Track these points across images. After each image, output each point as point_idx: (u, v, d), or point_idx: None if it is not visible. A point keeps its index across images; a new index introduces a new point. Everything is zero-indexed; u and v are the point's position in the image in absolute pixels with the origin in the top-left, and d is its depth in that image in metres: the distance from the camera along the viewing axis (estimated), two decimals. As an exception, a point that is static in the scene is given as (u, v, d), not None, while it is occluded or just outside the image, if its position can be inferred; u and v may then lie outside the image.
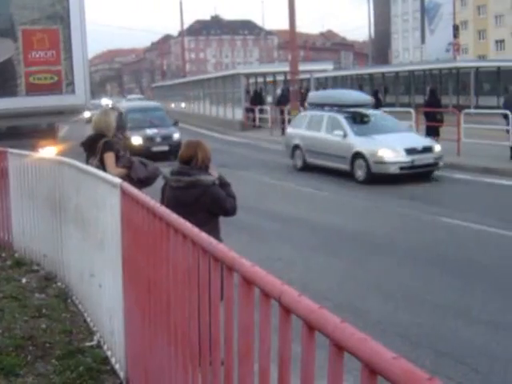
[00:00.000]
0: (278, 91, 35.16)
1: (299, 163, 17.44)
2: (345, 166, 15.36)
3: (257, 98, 33.59)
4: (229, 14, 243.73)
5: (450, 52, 63.26)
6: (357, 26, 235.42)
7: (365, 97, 18.08)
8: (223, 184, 5.14)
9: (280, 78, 40.12)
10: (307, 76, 35.04)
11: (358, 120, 15.82)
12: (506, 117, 16.90)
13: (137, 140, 20.32)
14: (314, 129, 16.94)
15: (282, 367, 2.00)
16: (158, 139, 20.80)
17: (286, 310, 1.92)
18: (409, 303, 6.80)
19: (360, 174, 14.84)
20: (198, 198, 4.91)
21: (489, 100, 36.45)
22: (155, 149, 19.92)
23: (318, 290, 7.07)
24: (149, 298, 3.84)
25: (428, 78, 42.37)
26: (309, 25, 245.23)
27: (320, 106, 17.56)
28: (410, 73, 44.00)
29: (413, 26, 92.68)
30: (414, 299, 6.91)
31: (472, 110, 27.88)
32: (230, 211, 5.12)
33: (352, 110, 16.17)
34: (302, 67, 29.70)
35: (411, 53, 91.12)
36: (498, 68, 40.72)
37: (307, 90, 32.68)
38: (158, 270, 3.58)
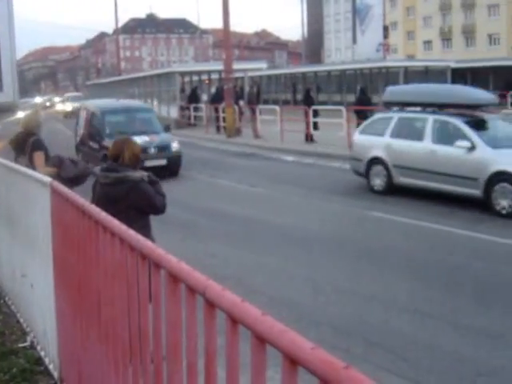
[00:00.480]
0: (213, 90, 35.20)
1: (380, 183, 12.79)
2: (474, 191, 11.00)
3: (193, 97, 33.53)
4: (164, 13, 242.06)
5: (380, 52, 64.63)
6: (290, 25, 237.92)
7: (488, 95, 13.00)
8: (152, 182, 5.16)
9: (215, 76, 40.20)
10: (242, 75, 35.30)
11: (478, 126, 11.67)
12: (432, 114, 17.37)
13: None
14: (408, 137, 12.40)
15: (207, 361, 2.04)
16: (153, 150, 15.78)
17: (211, 305, 1.96)
18: (339, 295, 6.95)
19: (505, 204, 10.48)
20: (126, 193, 4.93)
21: (417, 98, 37.46)
22: (150, 163, 15.09)
23: (251, 285, 7.20)
24: (80, 297, 3.83)
25: (359, 77, 43.25)
26: (243, 24, 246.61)
27: (406, 105, 13.04)
28: (342, 72, 44.93)
29: (344, 26, 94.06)
30: (344, 292, 7.06)
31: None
32: (160, 209, 5.15)
33: (455, 111, 12.10)
34: (236, 66, 29.84)
35: (343, 52, 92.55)
36: (426, 67, 42.04)
37: (241, 89, 32.89)
38: (88, 268, 3.58)
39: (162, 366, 2.52)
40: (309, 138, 22.00)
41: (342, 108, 22.00)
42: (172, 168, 15.79)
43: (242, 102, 28.23)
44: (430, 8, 75.02)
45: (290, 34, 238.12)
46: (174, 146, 16.35)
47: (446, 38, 74.81)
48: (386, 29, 60.36)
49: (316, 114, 22.41)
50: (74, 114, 48.63)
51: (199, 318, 2.11)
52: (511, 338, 5.65)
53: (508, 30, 65.75)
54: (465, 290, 7.05)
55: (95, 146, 16.43)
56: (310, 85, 35.31)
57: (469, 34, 71.45)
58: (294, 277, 7.68)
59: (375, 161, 12.89)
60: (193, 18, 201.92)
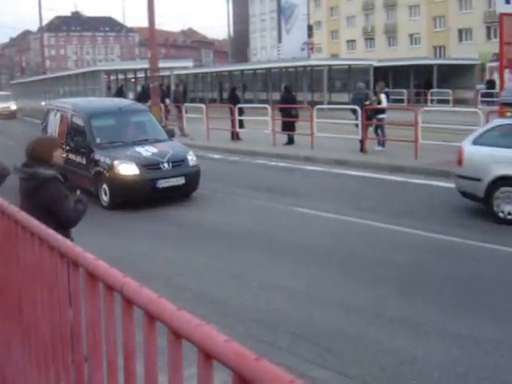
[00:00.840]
0: (139, 88, 34.90)
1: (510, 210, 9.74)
2: None
3: (118, 95, 33.11)
4: (89, 11, 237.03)
5: (305, 51, 65.53)
6: (217, 24, 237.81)
7: None
8: (77, 200, 5.16)
9: (141, 74, 39.88)
10: (168, 73, 35.12)
11: None
12: (354, 112, 17.83)
13: (129, 168, 11.68)
14: None
15: (127, 358, 2.05)
16: (166, 166, 11.91)
17: (128, 302, 1.96)
18: (264, 290, 7.03)
19: None
20: (34, 190, 4.88)
21: (341, 96, 38.38)
22: (164, 183, 11.77)
23: (179, 283, 7.22)
24: (1, 298, 3.77)
25: (284, 76, 43.80)
26: (170, 22, 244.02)
27: None
28: (268, 70, 45.33)
29: (270, 25, 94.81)
30: (270, 286, 7.14)
31: (325, 106, 29.14)
32: (68, 218, 5.00)
33: None
34: (162, 64, 29.63)
35: (269, 51, 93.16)
36: (349, 66, 42.89)
37: (168, 87, 32.70)
38: (9, 268, 3.54)
39: (83, 365, 2.51)
40: (235, 136, 22.11)
41: (268, 106, 22.25)
42: (189, 188, 12.35)
43: (168, 101, 28.07)
44: (353, 8, 76.44)
45: (216, 33, 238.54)
46: (192, 158, 12.54)
47: (368, 37, 76.42)
48: (310, 28, 61.34)
49: (241, 112, 22.54)
50: (1, 115, 47.06)
51: (119, 316, 2.11)
52: (431, 327, 5.83)
53: (428, 30, 67.79)
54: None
55: (80, 160, 12.61)
56: (236, 83, 35.49)
57: (391, 33, 73.22)
58: (221, 274, 7.71)
59: (504, 181, 9.84)
60: (118, 17, 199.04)
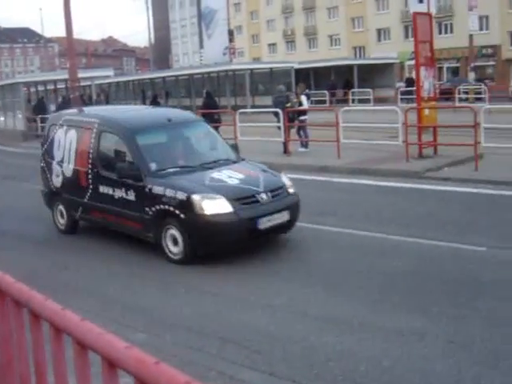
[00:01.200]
0: (60, 99, 34.28)
1: None
2: None
3: (39, 107, 32.35)
4: (6, 22, 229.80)
5: (227, 55, 65.87)
6: (137, 32, 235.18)
7: None
8: None
9: (61, 85, 39.13)
10: (89, 83, 34.61)
11: None
12: (276, 115, 17.98)
13: (218, 204, 8.05)
14: None
15: (38, 372, 2.03)
16: (265, 197, 8.40)
17: (35, 315, 1.95)
18: (191, 296, 7.04)
19: None
20: None
21: (264, 99, 38.70)
22: (267, 222, 8.28)
23: (104, 295, 7.16)
24: None
25: (207, 81, 43.86)
26: (89, 31, 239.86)
27: None
28: (190, 76, 45.27)
29: (191, 31, 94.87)
30: (196, 292, 7.15)
31: (247, 110, 29.35)
32: None
33: None
34: (82, 74, 29.29)
35: (191, 57, 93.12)
36: (271, 69, 43.35)
37: (89, 97, 32.21)
38: None
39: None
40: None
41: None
42: (291, 225, 8.91)
43: (89, 111, 27.64)
44: (272, 11, 77.37)
45: (137, 41, 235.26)
46: (288, 183, 9.07)
47: (289, 40, 77.50)
48: (231, 33, 61.73)
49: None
50: None
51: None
52: (357, 322, 5.93)
53: (347, 31, 69.31)
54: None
55: (124, 195, 8.88)
56: (158, 90, 35.28)
57: (311, 35, 74.48)
58: (145, 283, 7.65)
59: None
60: (37, 27, 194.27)
